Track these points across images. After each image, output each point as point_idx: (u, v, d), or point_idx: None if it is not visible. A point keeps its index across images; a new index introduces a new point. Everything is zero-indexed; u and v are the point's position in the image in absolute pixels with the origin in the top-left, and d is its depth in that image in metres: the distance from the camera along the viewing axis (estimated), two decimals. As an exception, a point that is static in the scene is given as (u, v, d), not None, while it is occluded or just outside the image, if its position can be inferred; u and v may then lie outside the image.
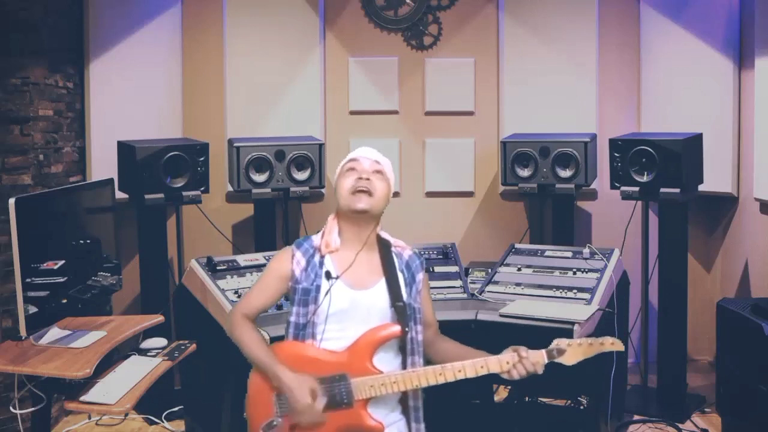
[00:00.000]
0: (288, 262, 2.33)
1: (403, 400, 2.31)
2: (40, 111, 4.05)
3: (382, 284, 2.30)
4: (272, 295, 2.36)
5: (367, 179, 2.30)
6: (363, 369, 2.21)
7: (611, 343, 2.25)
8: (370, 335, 2.24)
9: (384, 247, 2.37)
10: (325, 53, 4.92)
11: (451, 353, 2.33)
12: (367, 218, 2.31)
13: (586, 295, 3.62)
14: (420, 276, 2.40)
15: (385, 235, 2.41)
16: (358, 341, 2.23)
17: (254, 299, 2.36)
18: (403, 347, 2.28)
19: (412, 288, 2.35)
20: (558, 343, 2.25)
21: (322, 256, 2.31)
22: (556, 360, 2.24)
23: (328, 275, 2.26)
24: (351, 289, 2.27)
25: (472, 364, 2.21)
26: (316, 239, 2.36)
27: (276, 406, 2.23)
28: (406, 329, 2.25)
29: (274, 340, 3.01)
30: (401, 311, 2.25)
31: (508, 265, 3.96)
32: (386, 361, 2.26)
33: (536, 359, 2.22)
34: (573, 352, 2.24)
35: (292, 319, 2.29)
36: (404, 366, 2.27)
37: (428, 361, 2.32)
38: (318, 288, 2.27)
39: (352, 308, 2.26)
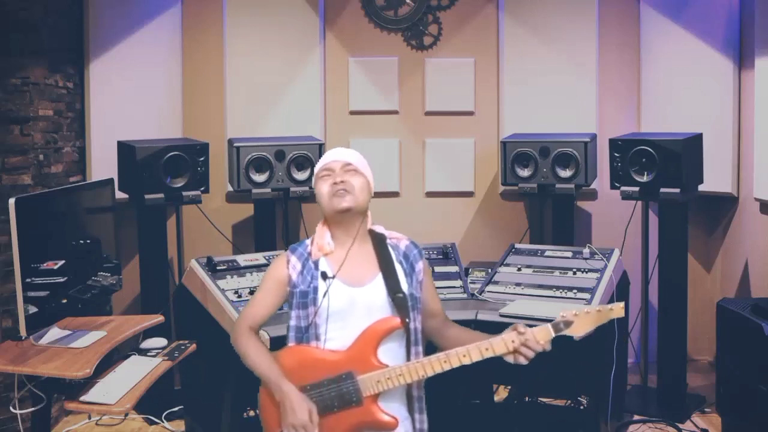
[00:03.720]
0: (284, 267, 2.34)
1: (408, 391, 2.31)
2: (40, 111, 4.05)
3: (379, 279, 2.30)
4: (273, 302, 2.37)
5: (342, 181, 2.30)
6: (368, 365, 2.21)
7: (620, 308, 2.20)
8: (370, 331, 2.24)
9: (379, 241, 2.36)
10: (325, 53, 4.92)
11: (458, 339, 2.30)
12: (352, 216, 2.32)
13: (586, 295, 3.62)
14: (420, 265, 2.39)
15: (379, 229, 2.40)
16: (359, 338, 2.24)
17: (256, 309, 2.37)
18: (406, 338, 2.27)
19: (413, 277, 2.35)
20: (564, 314, 2.19)
21: (316, 259, 2.32)
22: (565, 332, 2.18)
23: (324, 276, 2.27)
24: (349, 287, 2.27)
25: (477, 348, 2.18)
26: (309, 243, 2.37)
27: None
28: (407, 320, 2.24)
29: (275, 340, 3.02)
30: (401, 303, 2.25)
31: (508, 265, 3.96)
32: (391, 354, 2.26)
33: (542, 336, 2.16)
34: (581, 322, 2.18)
35: (293, 323, 2.30)
36: (408, 357, 2.26)
37: (438, 350, 2.30)
38: (315, 289, 2.27)
39: (351, 306, 2.26)
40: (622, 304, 2.22)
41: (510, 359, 2.19)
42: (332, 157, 2.38)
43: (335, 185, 2.30)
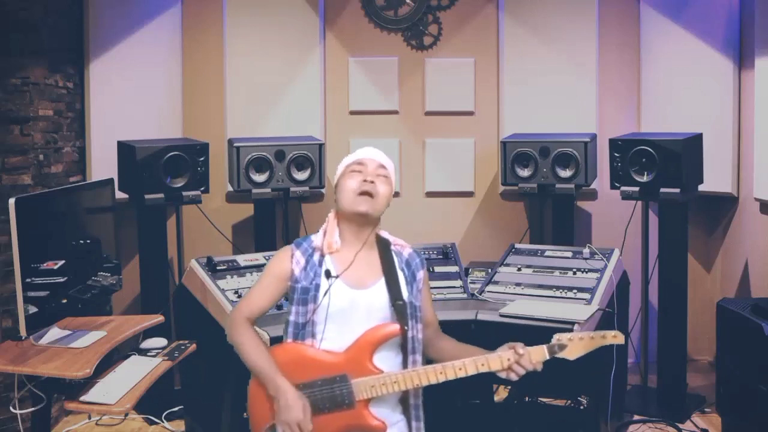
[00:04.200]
0: (287, 261, 2.32)
1: (404, 398, 2.30)
2: (40, 111, 4.05)
3: (381, 284, 2.29)
4: (272, 295, 2.35)
5: (372, 182, 2.29)
6: (363, 369, 2.21)
7: (613, 336, 2.25)
8: (369, 335, 2.23)
9: (383, 246, 2.36)
10: (325, 53, 4.92)
11: (451, 352, 2.32)
12: (367, 220, 2.31)
13: (586, 295, 3.62)
14: (420, 274, 2.39)
15: (384, 234, 2.40)
16: (357, 341, 2.23)
17: (255, 300, 2.35)
18: (403, 346, 2.27)
19: (413, 286, 2.34)
20: (559, 338, 2.24)
21: (322, 256, 2.31)
22: (558, 355, 2.23)
23: (327, 274, 2.26)
24: (350, 289, 2.27)
25: (473, 362, 2.21)
26: (315, 239, 2.36)
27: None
28: (406, 328, 2.24)
29: (274, 340, 3.01)
30: (401, 310, 2.25)
31: (508, 265, 3.96)
32: (387, 360, 2.25)
33: (537, 356, 2.21)
34: (575, 346, 2.23)
35: (292, 318, 2.29)
36: (405, 365, 2.26)
37: (429, 360, 2.32)
38: (317, 287, 2.26)
39: (351, 308, 2.25)
40: (617, 333, 2.26)
41: (502, 374, 2.23)
42: (368, 154, 2.37)
43: (365, 183, 2.28)
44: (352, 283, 2.27)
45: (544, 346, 2.22)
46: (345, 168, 2.37)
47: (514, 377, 2.21)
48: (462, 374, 2.20)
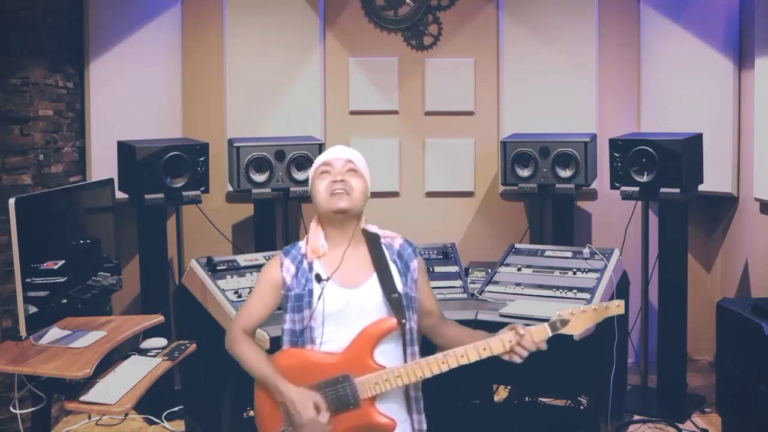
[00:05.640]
0: (277, 270, 2.31)
1: (405, 392, 2.29)
2: (40, 111, 4.05)
3: (374, 279, 2.28)
4: (267, 305, 2.34)
5: (342, 180, 2.27)
6: (365, 367, 2.20)
7: (617, 306, 2.20)
8: (367, 332, 2.22)
9: (372, 241, 2.34)
10: (325, 53, 4.92)
11: (457, 338, 2.29)
12: (348, 217, 2.29)
13: (586, 295, 3.62)
14: (414, 263, 2.36)
15: (372, 228, 2.38)
16: (356, 339, 2.22)
17: (250, 313, 2.35)
18: (402, 338, 2.26)
19: (408, 276, 2.32)
20: (561, 313, 2.19)
21: (311, 261, 2.30)
22: (561, 331, 2.18)
23: (318, 278, 2.25)
24: (344, 289, 2.25)
25: (474, 348, 2.17)
26: (303, 245, 2.35)
27: (286, 417, 2.22)
28: (403, 320, 2.22)
29: (274, 340, 3.01)
30: (397, 303, 2.23)
31: (508, 265, 3.96)
32: (388, 355, 2.24)
33: (539, 335, 2.17)
34: (578, 320, 2.18)
35: (287, 326, 2.28)
36: (404, 357, 2.25)
37: (437, 349, 2.29)
38: (310, 292, 2.25)
39: (347, 307, 2.24)
40: (620, 302, 2.22)
41: (505, 357, 2.19)
42: (333, 154, 2.35)
43: (335, 183, 2.27)
44: (344, 282, 2.26)
45: (546, 324, 2.18)
46: (314, 172, 2.35)
47: (517, 359, 2.18)
48: (464, 361, 2.17)
